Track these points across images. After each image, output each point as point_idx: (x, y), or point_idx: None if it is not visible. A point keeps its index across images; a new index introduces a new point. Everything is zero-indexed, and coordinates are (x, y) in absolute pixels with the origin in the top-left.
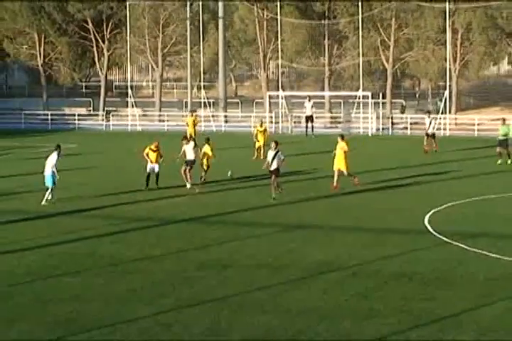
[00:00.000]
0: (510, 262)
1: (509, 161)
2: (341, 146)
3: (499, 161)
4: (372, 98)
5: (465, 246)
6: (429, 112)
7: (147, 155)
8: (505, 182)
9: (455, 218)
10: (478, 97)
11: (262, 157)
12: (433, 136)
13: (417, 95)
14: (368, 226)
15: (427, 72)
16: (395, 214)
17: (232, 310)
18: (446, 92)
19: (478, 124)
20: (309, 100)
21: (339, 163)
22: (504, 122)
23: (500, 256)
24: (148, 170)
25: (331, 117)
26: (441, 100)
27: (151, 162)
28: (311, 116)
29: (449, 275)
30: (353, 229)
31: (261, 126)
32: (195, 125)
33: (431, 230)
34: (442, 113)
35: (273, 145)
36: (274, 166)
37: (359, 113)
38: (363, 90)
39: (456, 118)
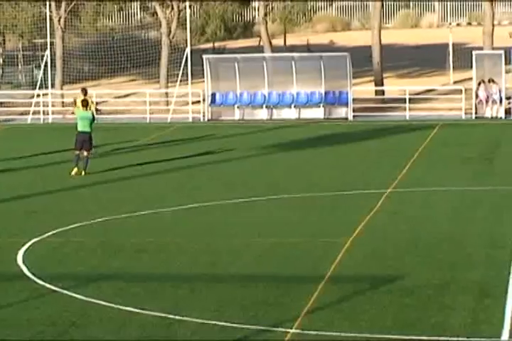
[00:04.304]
0: (161, 319)
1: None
2: None
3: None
4: None
5: (80, 296)
6: None
7: None
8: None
9: (66, 252)
10: (98, 61)
11: None
12: None
13: (2, 60)
14: None
15: (15, 24)
16: None
17: None
18: (47, 55)
19: (99, 103)
20: None
21: None
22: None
23: (137, 309)
24: None
25: None
26: (39, 67)
27: None
28: None
29: None
30: None
31: None
32: None
33: (27, 273)
34: (41, 87)
35: None
36: None
37: None
38: None
39: (63, 96)
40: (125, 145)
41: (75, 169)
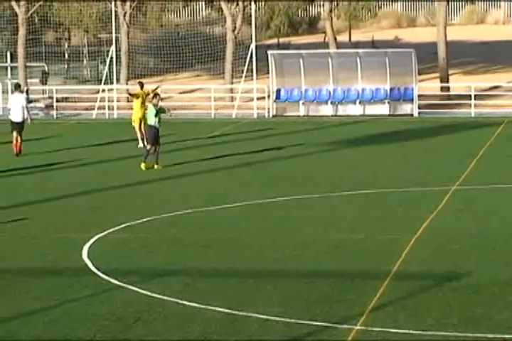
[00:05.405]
0: (226, 315)
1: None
2: None
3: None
4: None
5: (145, 291)
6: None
7: None
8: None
9: (131, 247)
10: (163, 57)
11: None
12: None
13: (68, 55)
14: None
15: (81, 19)
16: (34, 243)
17: None
18: (112, 50)
19: (164, 99)
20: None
21: None
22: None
23: (202, 305)
24: None
25: None
26: (105, 62)
27: None
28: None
29: None
30: None
31: None
32: None
33: (92, 268)
34: (107, 82)
35: None
36: None
37: None
38: None
39: (128, 91)
40: (190, 141)
41: (155, 164)
